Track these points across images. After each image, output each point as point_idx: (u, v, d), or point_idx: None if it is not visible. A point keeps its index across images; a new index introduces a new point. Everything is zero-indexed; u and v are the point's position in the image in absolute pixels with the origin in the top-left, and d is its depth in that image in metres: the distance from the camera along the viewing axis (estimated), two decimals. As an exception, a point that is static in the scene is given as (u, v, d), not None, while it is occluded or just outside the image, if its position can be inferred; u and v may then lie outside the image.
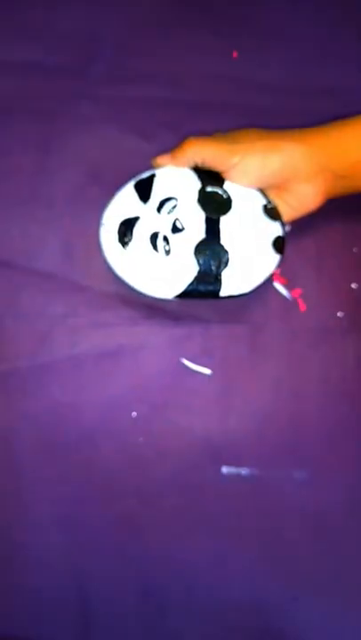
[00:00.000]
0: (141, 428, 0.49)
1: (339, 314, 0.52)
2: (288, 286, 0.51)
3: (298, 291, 0.52)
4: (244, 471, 0.49)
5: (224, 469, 0.49)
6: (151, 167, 0.46)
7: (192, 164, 0.45)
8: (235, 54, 0.54)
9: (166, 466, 0.49)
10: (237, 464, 0.49)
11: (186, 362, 0.49)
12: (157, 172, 0.44)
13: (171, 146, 0.51)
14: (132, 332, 0.50)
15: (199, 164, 0.45)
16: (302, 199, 0.45)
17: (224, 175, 0.45)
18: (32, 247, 0.50)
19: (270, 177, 0.44)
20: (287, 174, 0.43)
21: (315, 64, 0.55)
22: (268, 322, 0.51)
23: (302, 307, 0.51)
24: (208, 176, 0.44)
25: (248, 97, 0.53)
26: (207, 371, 0.50)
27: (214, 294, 0.43)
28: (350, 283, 0.52)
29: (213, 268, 0.42)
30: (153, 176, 0.44)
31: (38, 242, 0.50)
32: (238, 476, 0.49)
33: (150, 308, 0.50)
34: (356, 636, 0.48)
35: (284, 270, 0.51)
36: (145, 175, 0.44)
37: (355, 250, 0.52)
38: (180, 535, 0.49)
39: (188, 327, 0.50)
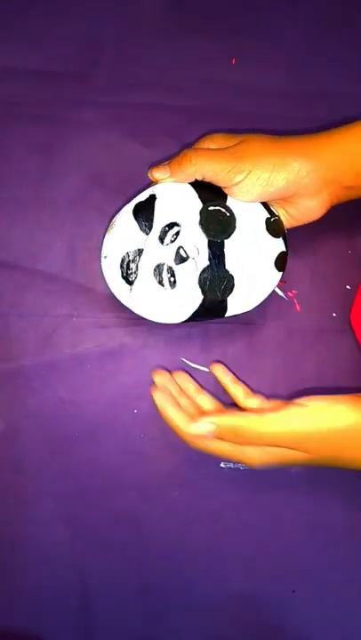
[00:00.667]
0: (142, 425, 0.50)
1: (334, 314, 0.52)
2: (284, 287, 0.52)
3: (294, 292, 0.52)
4: (242, 467, 0.49)
5: (223, 465, 0.49)
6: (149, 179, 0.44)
7: (191, 180, 0.42)
8: (233, 60, 0.55)
9: (166, 462, 0.50)
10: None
11: (185, 361, 0.50)
12: (156, 191, 0.42)
13: (171, 151, 0.51)
14: (133, 331, 0.50)
15: (199, 179, 0.43)
16: (305, 212, 0.43)
17: (225, 191, 0.43)
18: (36, 249, 0.51)
19: (274, 194, 0.42)
20: (292, 191, 0.41)
21: (314, 69, 0.55)
22: (265, 322, 0.51)
23: (298, 307, 0.52)
24: (208, 190, 0.42)
25: (247, 103, 0.54)
26: (206, 369, 0.50)
27: (219, 316, 0.43)
28: (345, 284, 0.53)
29: (219, 294, 0.41)
30: (152, 198, 0.41)
31: (42, 244, 0.51)
32: (237, 472, 0.50)
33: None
34: (355, 631, 0.48)
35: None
36: (143, 197, 0.42)
37: (350, 252, 0.53)
38: (180, 531, 0.49)
39: (187, 327, 0.50)
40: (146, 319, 0.45)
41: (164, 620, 0.48)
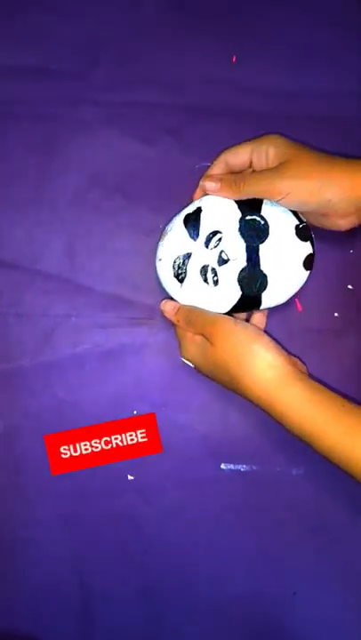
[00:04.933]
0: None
1: (335, 314, 0.52)
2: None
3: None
4: (243, 468, 0.50)
5: (223, 466, 0.50)
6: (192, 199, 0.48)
7: (242, 198, 0.47)
8: (234, 59, 0.55)
9: (166, 463, 0.50)
10: (236, 461, 0.50)
11: (185, 361, 0.50)
12: (202, 204, 0.48)
13: (171, 150, 0.51)
14: (133, 331, 0.51)
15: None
16: (332, 226, 0.47)
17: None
18: (36, 249, 0.51)
19: (307, 211, 0.46)
20: (323, 212, 0.45)
21: (314, 68, 0.55)
22: (267, 322, 0.51)
23: (300, 307, 0.52)
24: (247, 201, 0.47)
25: (248, 101, 0.54)
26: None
27: (255, 308, 0.49)
28: (347, 284, 0.53)
29: (254, 290, 0.47)
30: (199, 210, 0.48)
31: (42, 244, 0.51)
32: (237, 472, 0.50)
33: (151, 308, 0.51)
34: (355, 631, 0.48)
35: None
36: (191, 209, 0.48)
37: (351, 251, 0.53)
38: (180, 532, 0.49)
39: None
40: (144, 320, 0.50)
41: (164, 620, 0.49)
